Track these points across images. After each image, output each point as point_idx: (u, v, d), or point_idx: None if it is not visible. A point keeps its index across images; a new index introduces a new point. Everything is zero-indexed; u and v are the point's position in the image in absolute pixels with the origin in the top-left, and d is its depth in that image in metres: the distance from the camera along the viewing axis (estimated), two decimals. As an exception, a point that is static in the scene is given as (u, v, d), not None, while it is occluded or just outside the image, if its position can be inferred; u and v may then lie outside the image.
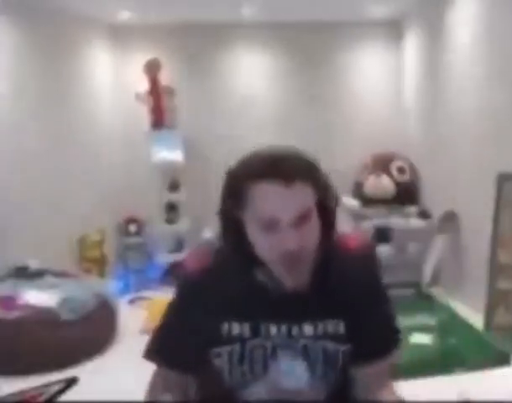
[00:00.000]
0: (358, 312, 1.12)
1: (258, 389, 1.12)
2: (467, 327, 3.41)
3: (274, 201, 1.01)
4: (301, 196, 1.03)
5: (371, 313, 1.14)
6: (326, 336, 1.11)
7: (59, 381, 2.98)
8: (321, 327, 1.11)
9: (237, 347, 1.11)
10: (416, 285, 4.42)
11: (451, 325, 3.41)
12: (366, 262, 1.18)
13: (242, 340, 1.11)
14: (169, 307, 1.21)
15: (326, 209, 1.08)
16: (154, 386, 1.20)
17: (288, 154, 1.05)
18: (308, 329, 1.11)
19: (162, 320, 1.21)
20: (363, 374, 1.15)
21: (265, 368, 1.11)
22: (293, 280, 1.07)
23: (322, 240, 1.09)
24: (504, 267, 3.45)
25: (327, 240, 1.11)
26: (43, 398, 2.82)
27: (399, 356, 1.20)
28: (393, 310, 1.20)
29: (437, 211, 4.59)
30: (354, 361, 1.14)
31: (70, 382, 2.99)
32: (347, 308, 1.12)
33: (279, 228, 1.02)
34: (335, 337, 1.11)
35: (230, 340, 1.12)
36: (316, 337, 1.11)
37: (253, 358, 1.11)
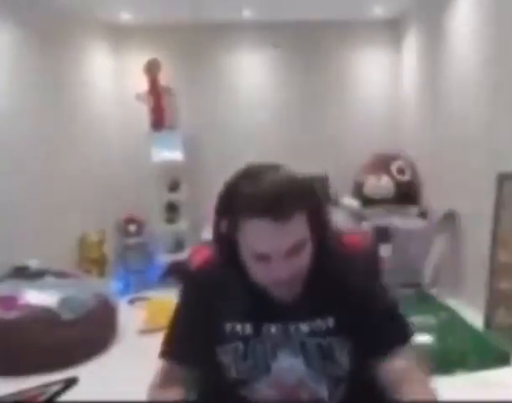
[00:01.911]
0: (354, 308, 1.15)
1: (261, 385, 1.16)
2: (467, 327, 3.41)
3: (264, 239, 1.03)
4: (293, 230, 1.04)
5: (369, 308, 1.16)
6: (320, 333, 1.15)
7: (59, 381, 2.98)
8: (314, 324, 1.15)
9: (240, 345, 1.16)
10: (416, 285, 4.41)
11: (451, 325, 3.41)
12: (363, 260, 1.24)
13: (244, 338, 1.16)
14: (177, 306, 1.27)
15: (319, 223, 1.10)
16: (158, 382, 1.23)
17: (279, 182, 1.03)
18: (304, 327, 1.15)
19: (172, 318, 1.27)
20: (385, 371, 1.14)
21: (267, 365, 1.15)
22: (283, 295, 1.13)
23: (316, 251, 1.12)
24: (504, 267, 3.45)
25: (321, 251, 1.13)
26: (43, 398, 2.81)
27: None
28: (395, 305, 1.22)
29: (437, 212, 4.59)
30: (366, 358, 1.15)
31: (70, 382, 2.99)
32: (337, 305, 1.16)
33: (271, 260, 1.05)
34: (328, 333, 1.15)
35: (234, 338, 1.17)
36: (311, 334, 1.15)
37: (256, 356, 1.16)
